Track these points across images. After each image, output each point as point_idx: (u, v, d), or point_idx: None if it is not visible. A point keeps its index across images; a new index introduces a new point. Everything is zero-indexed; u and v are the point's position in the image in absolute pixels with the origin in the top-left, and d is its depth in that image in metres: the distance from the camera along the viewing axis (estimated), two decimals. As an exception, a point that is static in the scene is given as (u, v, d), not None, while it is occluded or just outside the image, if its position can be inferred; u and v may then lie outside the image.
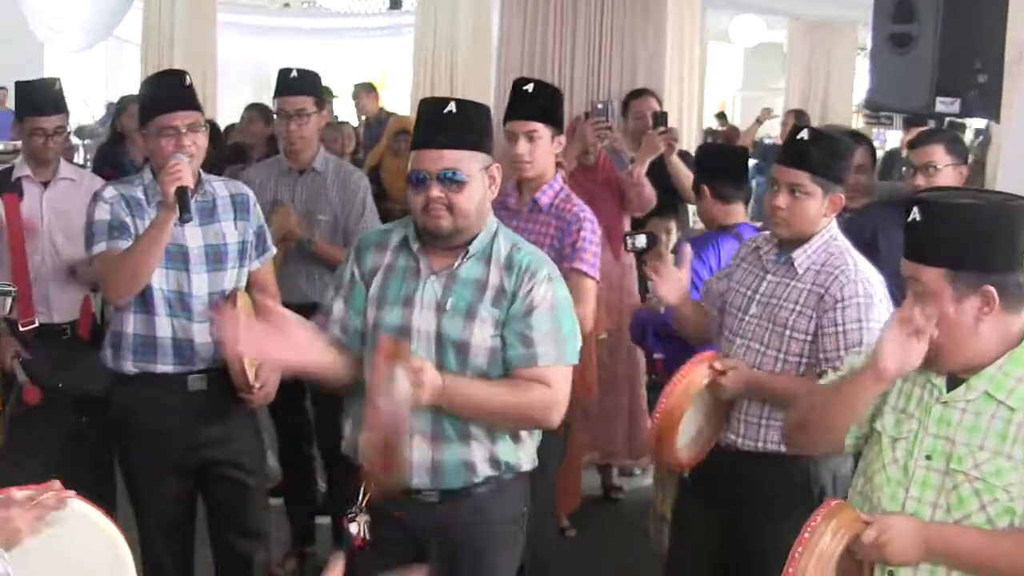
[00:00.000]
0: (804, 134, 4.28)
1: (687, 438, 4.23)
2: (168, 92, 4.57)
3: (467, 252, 3.72)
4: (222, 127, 10.81)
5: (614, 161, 6.72)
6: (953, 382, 3.12)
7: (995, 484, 2.99)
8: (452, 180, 3.62)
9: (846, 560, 3.05)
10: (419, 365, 3.45)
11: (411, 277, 3.75)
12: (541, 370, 3.69)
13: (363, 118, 13.19)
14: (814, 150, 4.21)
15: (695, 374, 4.12)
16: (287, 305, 5.59)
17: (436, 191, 3.61)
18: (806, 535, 2.95)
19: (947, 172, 5.24)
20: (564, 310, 3.77)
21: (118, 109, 9.06)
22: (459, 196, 3.63)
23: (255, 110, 9.78)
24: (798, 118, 12.58)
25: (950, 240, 3.03)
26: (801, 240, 4.20)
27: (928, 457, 3.10)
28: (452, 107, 3.67)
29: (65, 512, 2.89)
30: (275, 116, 5.97)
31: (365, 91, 13.35)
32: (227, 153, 8.83)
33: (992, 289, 3.01)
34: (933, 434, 3.10)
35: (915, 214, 3.06)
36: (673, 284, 4.53)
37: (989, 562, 3.02)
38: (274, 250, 4.95)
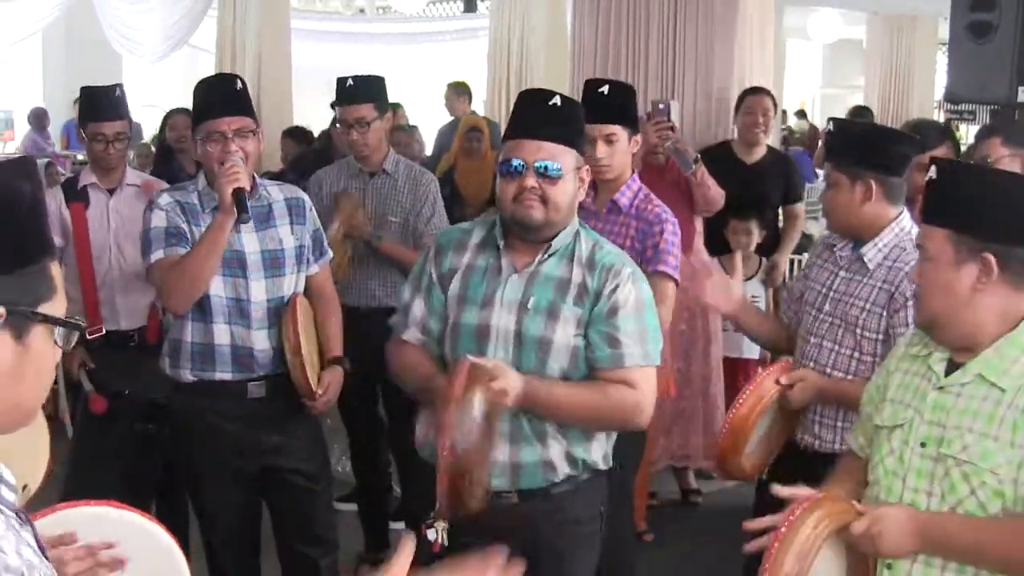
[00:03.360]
0: (829, 125, 4.33)
1: (752, 447, 4.19)
2: (217, 97, 4.53)
3: (548, 248, 3.68)
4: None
5: (678, 161, 6.61)
6: (951, 368, 3.05)
7: (982, 467, 2.92)
8: (548, 173, 3.59)
9: (850, 554, 3.02)
10: (499, 385, 3.40)
11: (492, 276, 3.72)
12: (627, 371, 3.65)
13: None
14: (835, 140, 4.25)
15: (763, 390, 4.08)
16: (361, 310, 5.59)
17: (531, 181, 3.60)
18: (783, 530, 2.87)
19: (1004, 163, 5.08)
20: (649, 309, 3.74)
21: (162, 123, 8.99)
22: (554, 189, 3.61)
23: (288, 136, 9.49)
24: (858, 115, 12.57)
25: (957, 201, 2.98)
26: (870, 235, 4.11)
27: (923, 444, 3.04)
28: (557, 100, 3.67)
29: (121, 526, 2.85)
30: (337, 125, 5.90)
31: (457, 92, 13.12)
32: (311, 159, 8.74)
33: (991, 257, 2.93)
34: (928, 420, 3.04)
35: (931, 173, 3.03)
36: (720, 290, 4.46)
37: (982, 550, 2.94)
38: (331, 254, 4.90)
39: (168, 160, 8.40)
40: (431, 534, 3.62)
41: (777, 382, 4.08)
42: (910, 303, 3.94)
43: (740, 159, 7.52)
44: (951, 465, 2.97)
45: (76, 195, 5.51)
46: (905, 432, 3.08)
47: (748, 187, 7.31)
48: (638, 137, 5.18)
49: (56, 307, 1.90)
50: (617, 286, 3.63)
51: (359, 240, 5.78)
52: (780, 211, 7.82)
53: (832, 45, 22.74)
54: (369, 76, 6.03)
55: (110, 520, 2.87)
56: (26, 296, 1.85)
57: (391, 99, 7.11)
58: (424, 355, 3.82)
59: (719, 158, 7.38)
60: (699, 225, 6.92)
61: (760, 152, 7.57)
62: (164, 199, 4.51)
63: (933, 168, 3.02)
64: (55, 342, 1.92)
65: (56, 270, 1.92)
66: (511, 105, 11.82)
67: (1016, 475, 2.90)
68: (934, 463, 3.01)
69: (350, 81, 5.89)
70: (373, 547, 6.33)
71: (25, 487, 3.90)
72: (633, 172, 5.16)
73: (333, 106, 6.87)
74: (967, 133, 16.52)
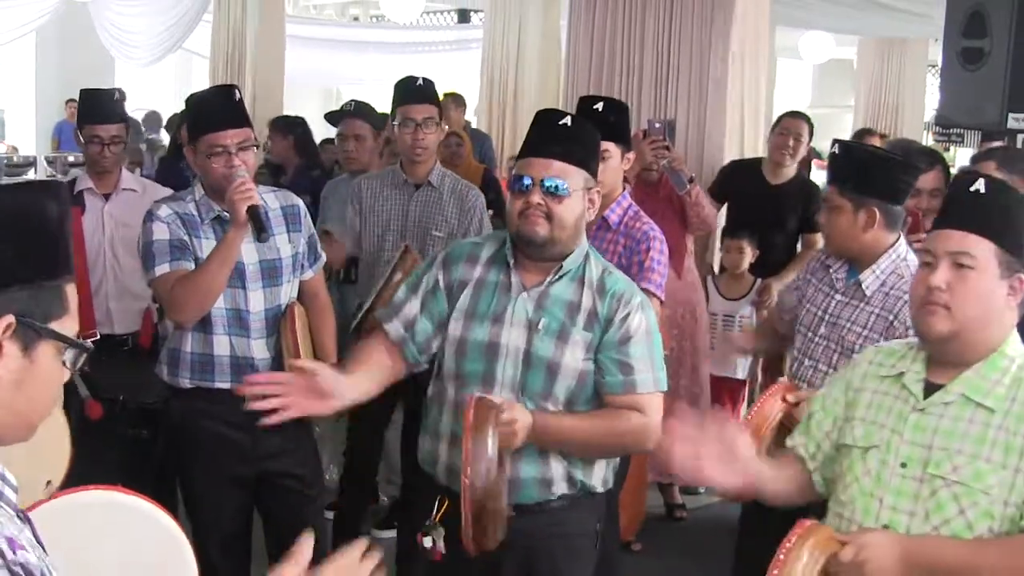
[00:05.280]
0: (835, 148, 4.29)
1: None
2: (217, 109, 4.48)
3: (560, 268, 3.71)
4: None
5: (673, 181, 6.63)
6: (929, 390, 3.08)
7: (974, 487, 2.96)
8: (554, 191, 3.62)
9: None
10: (509, 417, 3.42)
11: (502, 293, 3.74)
12: (639, 397, 3.68)
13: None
14: (840, 163, 4.23)
15: (768, 410, 4.05)
16: None
17: (537, 197, 3.63)
18: (781, 557, 2.89)
19: None
20: (656, 336, 3.77)
21: (178, 122, 9.03)
22: (559, 206, 3.63)
23: (278, 127, 9.12)
24: (859, 137, 12.52)
25: (1009, 220, 3.02)
26: (868, 260, 4.13)
27: (903, 465, 3.06)
28: (568, 120, 3.71)
29: (128, 511, 2.89)
30: (395, 125, 5.79)
31: (455, 103, 13.03)
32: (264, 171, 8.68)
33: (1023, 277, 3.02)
34: (909, 441, 3.06)
35: (979, 186, 3.03)
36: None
37: (976, 571, 2.96)
38: (324, 258, 4.88)
39: (176, 160, 8.42)
40: (427, 542, 3.66)
41: (784, 399, 4.04)
42: (909, 332, 3.94)
43: (766, 179, 7.53)
44: (939, 486, 2.99)
45: (72, 200, 5.51)
46: (883, 453, 3.10)
47: (766, 208, 7.34)
48: (631, 155, 5.18)
49: (67, 327, 1.95)
50: (628, 314, 3.67)
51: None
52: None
53: (823, 65, 22.78)
54: (433, 83, 5.94)
55: (118, 504, 2.91)
56: (38, 309, 1.90)
57: (382, 108, 7.11)
58: (376, 359, 3.87)
59: (746, 174, 7.45)
60: (690, 244, 6.96)
61: (787, 175, 7.54)
62: (164, 210, 4.47)
63: (981, 182, 3.03)
64: (63, 363, 1.97)
65: (72, 292, 1.97)
66: (503, 117, 11.87)
67: (1007, 496, 2.94)
68: (918, 484, 3.03)
69: (420, 81, 5.80)
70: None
71: (49, 483, 3.94)
72: (624, 189, 5.17)
73: (329, 119, 6.80)
74: (955, 156, 16.62)
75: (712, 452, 3.17)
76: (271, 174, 8.64)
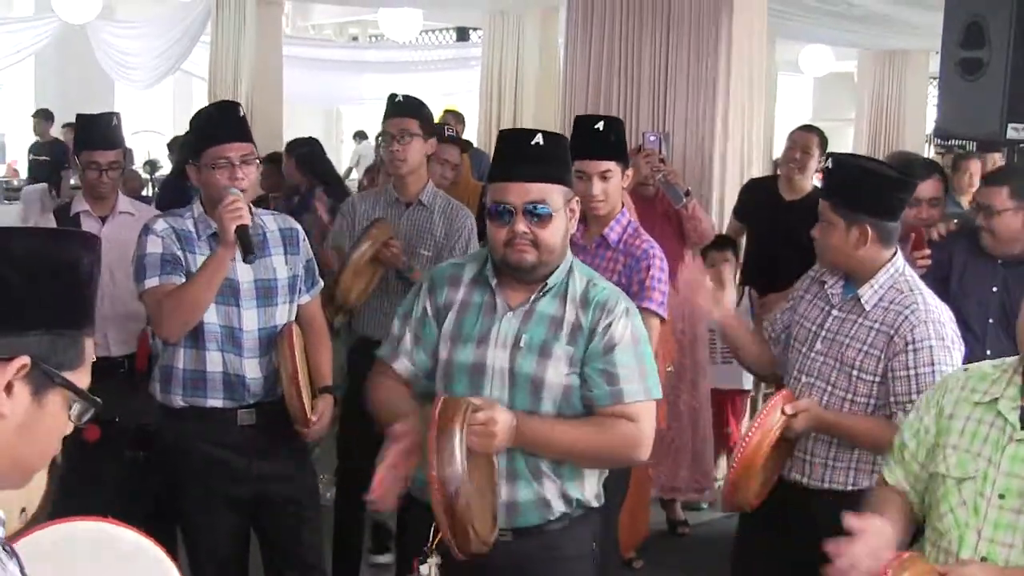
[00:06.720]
0: (828, 162, 4.28)
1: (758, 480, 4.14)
2: (221, 123, 4.51)
3: (545, 286, 3.65)
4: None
5: (668, 194, 6.61)
6: None
7: None
8: (537, 214, 3.55)
9: None
10: (484, 418, 3.35)
11: (487, 313, 3.68)
12: (628, 407, 3.61)
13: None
14: (833, 179, 4.21)
15: (770, 423, 3.99)
16: (372, 341, 5.46)
17: (522, 226, 3.55)
18: None
19: (1006, 216, 4.97)
20: (644, 344, 3.70)
21: (181, 143, 9.07)
22: (544, 231, 3.57)
23: (268, 162, 8.98)
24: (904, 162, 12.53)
25: None
26: (865, 276, 4.09)
27: (1001, 496, 2.99)
28: (539, 139, 3.61)
29: (121, 544, 2.86)
30: (380, 140, 5.87)
31: (455, 119, 12.94)
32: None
33: None
34: (1006, 472, 3.00)
35: None
36: (711, 298, 4.49)
37: None
38: (322, 283, 4.88)
39: (180, 181, 8.43)
40: (423, 569, 3.61)
41: (782, 411, 3.98)
42: (910, 347, 3.94)
43: (780, 194, 7.49)
44: None
45: (68, 222, 5.51)
46: (979, 484, 3.04)
47: (777, 223, 7.27)
48: (630, 171, 5.16)
49: (81, 379, 1.97)
50: (611, 323, 3.59)
51: (392, 268, 5.63)
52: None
53: (823, 78, 22.79)
54: (416, 97, 5.97)
55: (107, 535, 2.87)
56: (54, 357, 1.91)
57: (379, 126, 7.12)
58: (404, 393, 3.79)
59: (762, 191, 7.45)
60: (688, 257, 6.93)
61: (802, 190, 7.43)
62: (160, 225, 4.49)
63: None
64: (69, 416, 1.97)
65: (90, 345, 1.99)
66: (503, 133, 11.52)
67: None
68: (1018, 515, 2.97)
69: (399, 97, 5.84)
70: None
71: (23, 510, 3.90)
72: (623, 206, 5.15)
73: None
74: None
75: None
76: (286, 196, 8.76)
